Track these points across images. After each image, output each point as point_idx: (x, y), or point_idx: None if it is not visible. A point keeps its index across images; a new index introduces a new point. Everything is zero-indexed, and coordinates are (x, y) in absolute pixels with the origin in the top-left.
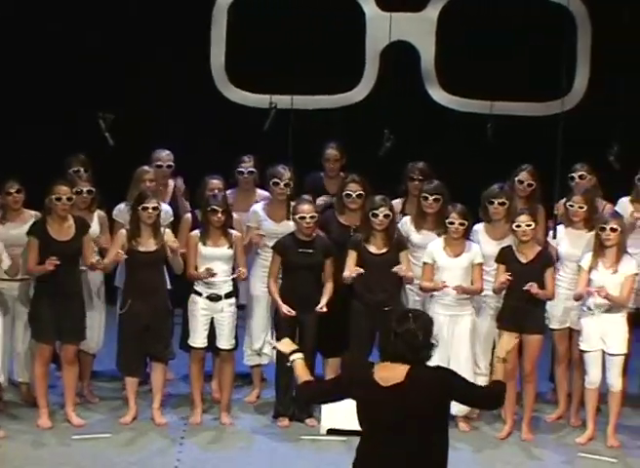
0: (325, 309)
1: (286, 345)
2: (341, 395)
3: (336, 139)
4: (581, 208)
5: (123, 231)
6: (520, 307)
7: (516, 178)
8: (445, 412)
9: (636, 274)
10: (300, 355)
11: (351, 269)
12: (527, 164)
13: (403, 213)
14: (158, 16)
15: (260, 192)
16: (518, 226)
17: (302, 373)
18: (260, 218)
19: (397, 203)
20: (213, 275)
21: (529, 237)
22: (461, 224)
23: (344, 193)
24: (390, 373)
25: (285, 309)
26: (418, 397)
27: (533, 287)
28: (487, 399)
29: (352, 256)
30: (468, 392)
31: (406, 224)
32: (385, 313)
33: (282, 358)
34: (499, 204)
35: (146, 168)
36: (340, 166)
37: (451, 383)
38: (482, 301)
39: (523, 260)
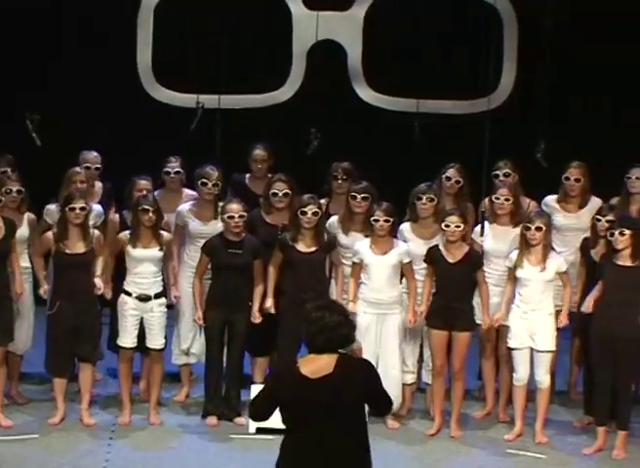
0: (259, 320)
1: None
2: (276, 399)
3: (263, 140)
4: (508, 200)
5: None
6: (449, 306)
7: (444, 176)
8: (364, 404)
9: (567, 271)
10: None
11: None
12: (455, 162)
13: (327, 212)
14: (85, 16)
15: (188, 192)
16: (447, 226)
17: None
18: (186, 219)
19: (321, 203)
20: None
21: (457, 238)
22: (386, 221)
23: (271, 192)
24: (318, 366)
25: (197, 316)
26: (347, 387)
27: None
28: (387, 402)
29: (277, 257)
30: (380, 388)
31: (333, 225)
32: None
33: (212, 356)
34: (427, 200)
35: (77, 169)
36: (267, 166)
37: (374, 374)
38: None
39: (451, 260)
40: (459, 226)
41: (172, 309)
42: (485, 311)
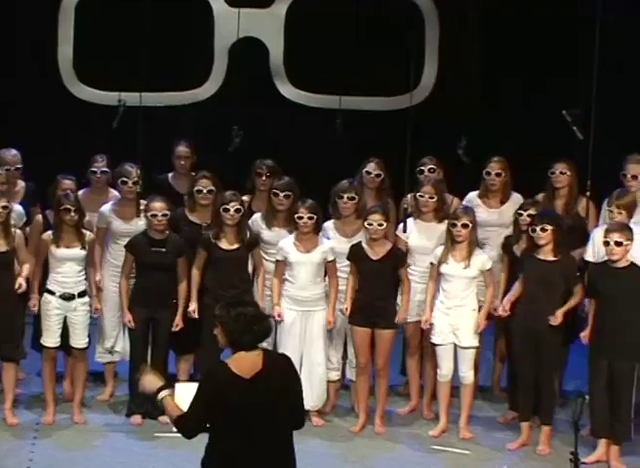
0: (181, 326)
1: (151, 383)
2: (213, 406)
3: (186, 137)
4: (432, 198)
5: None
6: (372, 303)
7: (364, 170)
8: (290, 401)
9: (492, 268)
10: (167, 392)
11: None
12: (375, 156)
13: (250, 209)
14: (6, 12)
15: (114, 192)
16: (370, 224)
17: (173, 409)
18: (107, 219)
19: (245, 200)
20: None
21: (379, 236)
22: (310, 218)
23: (195, 189)
24: (248, 364)
25: (126, 319)
26: (277, 382)
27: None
28: (302, 412)
29: (201, 256)
30: (297, 391)
31: (256, 221)
32: None
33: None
34: (348, 198)
35: None
36: (190, 163)
37: (294, 374)
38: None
39: (374, 258)
40: (381, 224)
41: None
42: (405, 308)
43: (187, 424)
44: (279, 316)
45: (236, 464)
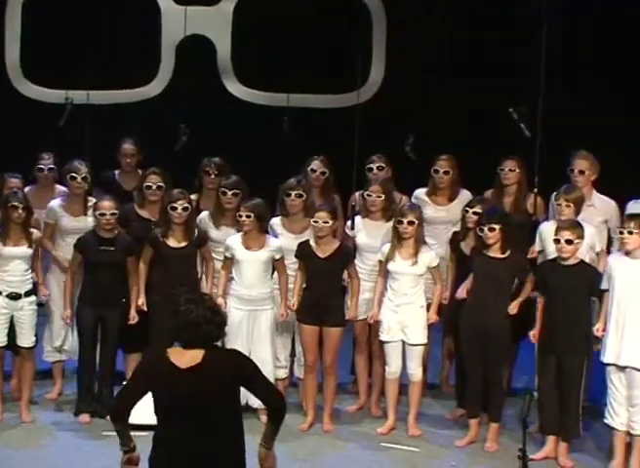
0: (135, 320)
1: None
2: (145, 385)
3: (132, 135)
4: (379, 197)
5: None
6: (319, 301)
7: (309, 168)
8: (237, 397)
9: (438, 265)
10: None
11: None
12: (320, 154)
13: (198, 208)
14: None
15: (60, 189)
16: (316, 222)
17: None
18: (57, 215)
19: (192, 198)
20: None
21: (325, 233)
22: (248, 217)
23: (145, 185)
24: (186, 357)
25: (65, 315)
26: (214, 378)
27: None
28: (273, 394)
29: (148, 252)
30: (258, 379)
31: (204, 220)
32: None
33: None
34: (295, 196)
35: None
36: (136, 161)
37: (244, 366)
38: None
39: (321, 255)
40: (327, 222)
41: (43, 307)
42: (355, 307)
43: (117, 403)
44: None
45: (172, 453)
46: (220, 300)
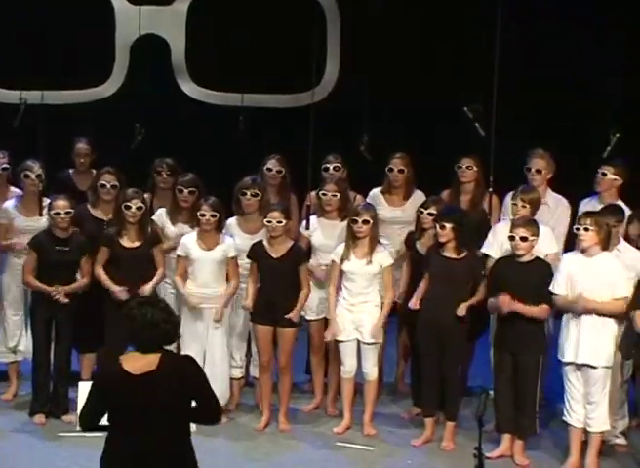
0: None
1: None
2: (102, 398)
3: (86, 134)
4: (335, 196)
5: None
6: (273, 301)
7: (265, 167)
8: (189, 401)
9: (392, 265)
10: None
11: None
12: (275, 153)
13: (151, 207)
14: None
15: (14, 189)
16: (269, 222)
17: None
18: (11, 215)
19: (146, 197)
20: None
21: (278, 233)
22: (213, 216)
23: (99, 184)
24: (141, 363)
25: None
26: (169, 384)
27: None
28: (215, 410)
29: (103, 252)
30: (206, 392)
31: (161, 217)
32: None
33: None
34: (251, 195)
35: None
36: (90, 161)
37: (196, 376)
38: (236, 295)
39: (274, 255)
40: (280, 222)
41: None
42: (300, 305)
43: (82, 417)
44: (195, 303)
45: (124, 459)
46: (196, 300)
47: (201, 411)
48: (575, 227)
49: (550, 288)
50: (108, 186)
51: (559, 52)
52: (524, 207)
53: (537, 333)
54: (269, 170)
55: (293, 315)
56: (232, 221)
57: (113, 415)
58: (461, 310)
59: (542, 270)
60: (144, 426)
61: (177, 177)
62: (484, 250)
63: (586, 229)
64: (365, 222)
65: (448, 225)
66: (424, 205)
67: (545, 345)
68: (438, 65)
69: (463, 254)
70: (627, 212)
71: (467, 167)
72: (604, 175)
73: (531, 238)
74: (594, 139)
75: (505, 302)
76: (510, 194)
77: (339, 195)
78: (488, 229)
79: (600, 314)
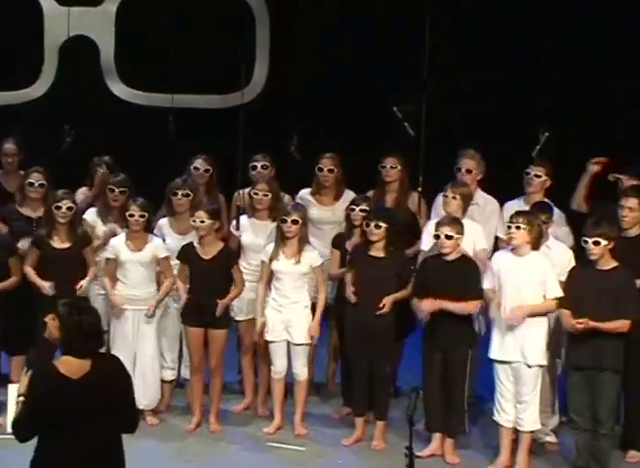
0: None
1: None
2: (41, 407)
3: (13, 135)
4: (266, 196)
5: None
6: (204, 303)
7: (192, 166)
8: (121, 403)
9: (322, 265)
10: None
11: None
12: (203, 153)
13: (91, 205)
14: None
15: None
16: (194, 221)
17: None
18: None
19: (83, 193)
20: None
21: (204, 233)
22: (142, 217)
23: (27, 182)
24: (75, 366)
25: None
26: (103, 387)
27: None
28: (134, 417)
29: (33, 253)
30: (130, 397)
31: (92, 216)
32: None
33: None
34: (182, 195)
35: None
36: (18, 161)
37: (125, 379)
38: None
39: (205, 257)
40: (203, 221)
41: None
42: (228, 300)
43: (20, 428)
44: (120, 306)
45: (59, 463)
46: (119, 300)
47: (122, 417)
48: (506, 225)
49: (483, 286)
50: (36, 184)
51: (488, 53)
52: (454, 198)
53: (465, 331)
54: (196, 169)
55: (221, 303)
56: (164, 222)
57: (49, 419)
58: (386, 305)
59: (468, 268)
60: (80, 429)
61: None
62: (424, 247)
63: (518, 227)
64: (294, 222)
65: (383, 224)
66: (355, 202)
67: (474, 343)
68: (368, 65)
69: (389, 253)
70: (556, 210)
71: (391, 166)
72: (537, 176)
73: (456, 236)
74: (520, 140)
75: (427, 306)
76: (441, 194)
77: (270, 195)
78: (412, 228)
79: (536, 315)
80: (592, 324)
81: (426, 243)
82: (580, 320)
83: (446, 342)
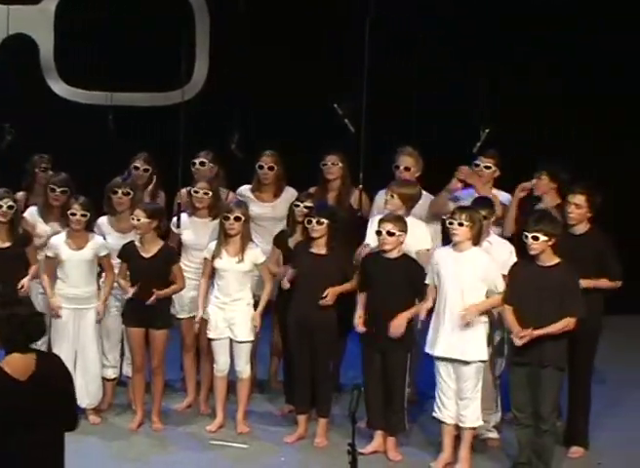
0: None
1: None
2: None
3: None
4: (207, 194)
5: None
6: (143, 303)
7: (132, 165)
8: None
9: (265, 261)
10: None
11: None
12: (143, 151)
13: (28, 204)
14: None
15: None
16: (132, 219)
17: None
18: None
19: (22, 195)
20: None
21: (144, 231)
22: (83, 216)
23: None
24: (22, 365)
25: None
26: (51, 383)
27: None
28: (75, 413)
29: None
30: (71, 392)
31: (33, 216)
32: None
33: None
34: (122, 194)
35: None
36: None
37: (67, 376)
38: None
39: (145, 255)
40: (139, 220)
41: None
42: (165, 293)
43: None
44: (57, 309)
45: (13, 466)
46: (53, 302)
47: (64, 415)
48: (448, 222)
49: (426, 282)
50: None
51: (429, 50)
52: (392, 197)
53: (405, 329)
54: (136, 168)
55: (157, 293)
56: (104, 221)
57: (2, 426)
58: (329, 295)
59: (409, 266)
60: (29, 429)
61: (51, 175)
62: (369, 241)
63: (461, 224)
64: (237, 219)
65: (325, 221)
66: (299, 199)
67: (412, 342)
68: (309, 63)
69: (331, 250)
70: (509, 199)
71: (332, 163)
72: (487, 168)
73: (398, 233)
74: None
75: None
76: (381, 191)
77: (210, 193)
78: (354, 225)
79: (482, 313)
80: (536, 333)
81: (371, 238)
82: (522, 333)
83: (384, 340)
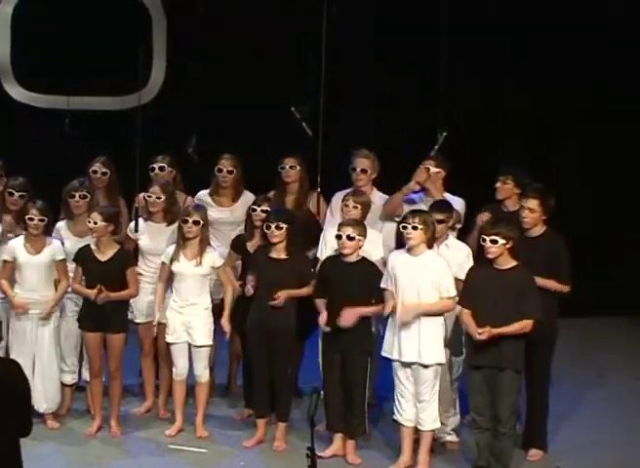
0: None
1: None
2: None
3: None
4: (160, 198)
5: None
6: (100, 307)
7: (90, 170)
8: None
9: (223, 265)
10: None
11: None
12: (101, 155)
13: None
14: None
15: None
16: (88, 222)
17: None
18: None
19: None
20: None
21: (100, 235)
22: (41, 221)
23: None
24: None
25: None
26: (6, 392)
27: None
28: (30, 420)
29: None
30: (27, 399)
31: None
32: None
33: None
34: (80, 197)
35: None
36: None
37: (25, 382)
38: (65, 299)
39: (101, 258)
40: (96, 223)
41: None
42: (115, 295)
43: None
44: (24, 305)
45: None
46: (21, 302)
47: (19, 420)
48: (402, 226)
49: (382, 285)
50: None
51: (387, 52)
52: (355, 208)
53: (364, 332)
54: (94, 172)
55: (105, 293)
56: (61, 225)
57: None
58: (280, 297)
59: (368, 270)
60: None
61: (8, 180)
62: (319, 254)
63: (414, 228)
64: (195, 223)
65: (284, 225)
66: (257, 203)
67: (373, 345)
68: (267, 66)
69: (290, 255)
70: (461, 203)
71: (290, 166)
72: (438, 172)
73: (358, 237)
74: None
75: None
76: (337, 194)
77: (164, 197)
78: (312, 229)
79: (430, 315)
80: (495, 331)
81: (322, 252)
82: (481, 330)
83: (344, 344)
